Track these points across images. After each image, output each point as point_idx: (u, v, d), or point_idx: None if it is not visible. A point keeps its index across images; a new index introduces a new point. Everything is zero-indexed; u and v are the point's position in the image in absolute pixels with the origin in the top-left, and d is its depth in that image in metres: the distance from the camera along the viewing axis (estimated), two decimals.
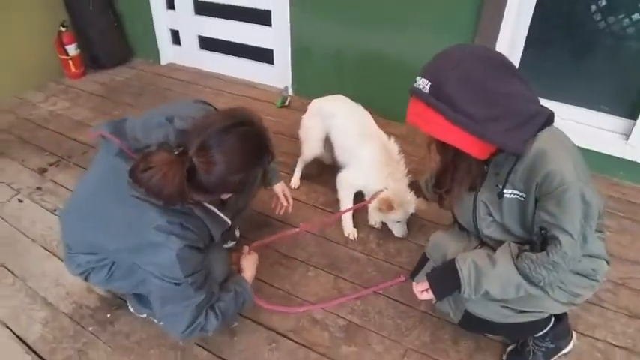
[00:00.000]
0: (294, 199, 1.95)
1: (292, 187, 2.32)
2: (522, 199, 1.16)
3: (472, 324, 1.38)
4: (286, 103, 3.13)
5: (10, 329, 1.64)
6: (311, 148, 2.22)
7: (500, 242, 1.25)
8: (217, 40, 3.53)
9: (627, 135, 2.29)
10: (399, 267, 1.89)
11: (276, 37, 3.16)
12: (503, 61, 1.09)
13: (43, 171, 2.49)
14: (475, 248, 1.35)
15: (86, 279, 1.48)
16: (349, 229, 2.05)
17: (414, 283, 1.37)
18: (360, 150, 1.98)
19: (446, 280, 1.27)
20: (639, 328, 1.63)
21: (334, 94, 2.24)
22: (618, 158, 2.33)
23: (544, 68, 2.47)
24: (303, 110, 2.28)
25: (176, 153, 1.14)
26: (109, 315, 1.69)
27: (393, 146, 2.00)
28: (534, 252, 1.15)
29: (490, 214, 1.26)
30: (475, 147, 1.08)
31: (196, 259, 1.26)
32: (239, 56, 3.51)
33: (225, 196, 1.32)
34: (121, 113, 3.03)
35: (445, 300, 1.37)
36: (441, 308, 1.45)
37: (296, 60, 3.12)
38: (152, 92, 3.36)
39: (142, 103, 3.20)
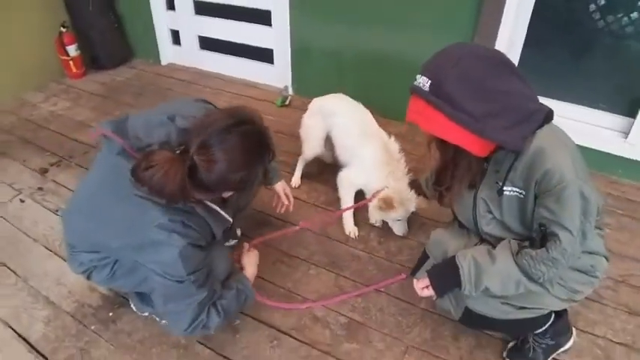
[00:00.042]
0: (294, 197, 1.96)
1: (293, 185, 2.33)
2: (522, 196, 1.17)
3: (472, 321, 1.39)
4: (286, 103, 3.14)
5: (12, 329, 1.65)
6: (312, 147, 2.23)
7: (500, 239, 1.26)
8: (217, 40, 3.53)
9: (626, 133, 2.30)
10: (400, 265, 1.90)
11: (276, 36, 3.16)
12: (502, 60, 1.09)
13: (44, 171, 2.50)
14: (475, 245, 1.35)
15: (88, 277, 1.49)
16: (350, 227, 2.06)
17: (414, 281, 1.38)
18: (361, 149, 1.99)
19: (446, 276, 1.28)
20: (639, 325, 1.64)
21: (334, 93, 2.24)
22: (617, 156, 2.33)
23: (543, 67, 2.48)
24: (304, 109, 2.29)
25: (177, 151, 1.15)
26: (111, 314, 1.69)
27: (394, 145, 2.00)
28: (534, 249, 1.16)
29: (490, 212, 1.26)
30: (475, 144, 1.08)
31: (198, 257, 1.26)
32: (239, 56, 3.52)
33: (226, 195, 1.32)
34: (122, 113, 3.02)
35: (446, 297, 1.38)
36: (442, 305, 1.45)
37: (296, 60, 3.13)
38: (152, 92, 3.37)
39: (143, 103, 3.20)
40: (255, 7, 3.18)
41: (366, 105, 2.16)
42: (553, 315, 1.40)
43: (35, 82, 3.41)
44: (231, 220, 1.42)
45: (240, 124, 1.18)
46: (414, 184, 1.89)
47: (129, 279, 1.41)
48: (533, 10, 2.30)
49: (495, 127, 1.05)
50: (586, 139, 2.23)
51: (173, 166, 1.10)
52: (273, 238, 1.98)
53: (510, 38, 2.37)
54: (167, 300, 1.29)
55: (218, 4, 3.35)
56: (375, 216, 2.01)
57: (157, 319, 1.65)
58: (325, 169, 2.40)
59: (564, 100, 2.41)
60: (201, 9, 3.50)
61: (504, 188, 1.19)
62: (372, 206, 1.96)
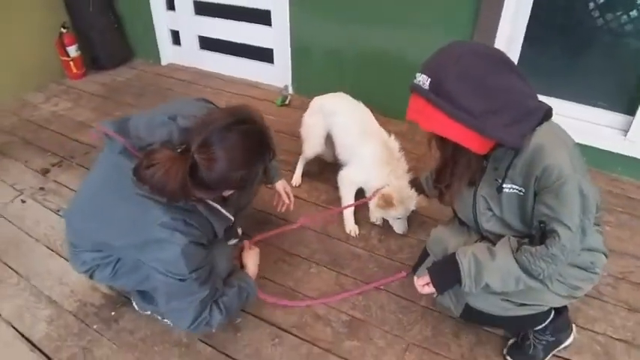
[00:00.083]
0: (295, 196, 1.97)
1: (294, 184, 2.33)
2: (521, 193, 1.18)
3: (473, 317, 1.40)
4: (287, 102, 3.14)
5: (14, 328, 1.65)
6: (312, 146, 2.23)
7: (500, 236, 1.27)
8: (217, 40, 3.54)
9: (626, 131, 2.31)
10: (400, 263, 1.91)
11: (276, 36, 3.17)
12: (502, 58, 1.10)
13: (45, 171, 2.50)
14: (475, 242, 1.36)
15: (91, 277, 1.49)
16: (350, 226, 2.06)
17: (415, 278, 1.39)
18: (361, 147, 2.00)
19: (447, 273, 1.29)
20: (639, 322, 1.65)
21: (334, 92, 2.25)
22: (617, 154, 2.34)
23: (543, 65, 2.49)
24: (304, 109, 2.30)
25: (179, 150, 1.16)
26: (113, 313, 1.70)
27: (394, 144, 2.01)
28: (534, 245, 1.17)
29: (490, 209, 1.27)
30: (475, 142, 1.09)
31: (200, 255, 1.27)
32: (239, 56, 3.53)
33: (226, 193, 1.33)
34: (123, 114, 3.03)
35: (446, 294, 1.38)
36: (442, 302, 1.46)
37: (296, 59, 3.13)
38: (153, 92, 3.38)
39: (143, 103, 3.21)
40: (254, 6, 3.18)
41: (366, 104, 2.17)
42: (553, 312, 1.41)
43: (36, 83, 3.41)
44: (232, 218, 1.43)
45: (240, 123, 1.19)
46: (414, 183, 1.90)
47: (131, 277, 1.42)
48: (532, 8, 2.31)
49: (495, 125, 1.06)
50: (586, 137, 2.24)
51: (174, 165, 1.11)
52: (273, 235, 1.99)
53: (510, 36, 2.38)
54: (170, 298, 1.30)
55: (218, 4, 3.35)
56: (375, 214, 2.01)
57: (159, 317, 1.65)
58: (326, 168, 2.40)
59: (564, 99, 2.42)
60: (201, 9, 3.51)
61: (504, 186, 1.19)
62: (373, 204, 1.96)
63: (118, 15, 3.65)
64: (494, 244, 1.27)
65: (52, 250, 1.98)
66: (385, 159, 1.95)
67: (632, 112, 2.28)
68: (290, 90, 3.26)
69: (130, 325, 1.66)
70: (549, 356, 1.50)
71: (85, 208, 1.38)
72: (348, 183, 2.07)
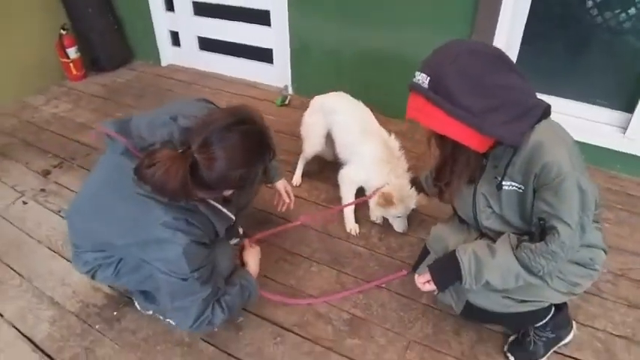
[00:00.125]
0: (295, 196, 1.98)
1: (294, 184, 2.34)
2: (521, 190, 1.18)
3: (474, 314, 1.41)
4: (286, 102, 3.15)
5: (17, 329, 1.66)
6: (312, 145, 2.24)
7: (500, 233, 1.27)
8: (217, 40, 3.55)
9: (624, 128, 2.31)
10: (401, 261, 1.92)
11: (276, 36, 3.18)
12: (500, 56, 1.11)
13: (46, 173, 2.51)
14: (475, 240, 1.37)
15: (93, 277, 1.50)
16: (351, 224, 2.07)
17: (416, 275, 1.39)
18: (362, 146, 2.01)
19: (447, 271, 1.29)
20: (639, 318, 1.66)
21: (334, 91, 2.25)
22: (616, 151, 2.35)
23: (541, 63, 2.49)
24: (303, 109, 2.31)
25: (180, 150, 1.17)
26: (115, 313, 1.71)
27: (394, 142, 2.02)
28: (533, 242, 1.17)
29: (489, 206, 1.28)
30: (474, 139, 1.10)
31: (202, 255, 1.28)
32: (239, 56, 3.53)
33: (226, 193, 1.34)
34: (123, 115, 3.05)
35: (447, 291, 1.39)
36: (443, 300, 1.47)
37: (295, 59, 3.14)
38: (153, 93, 3.39)
39: (144, 104, 3.22)
40: (253, 7, 3.19)
41: (366, 103, 2.18)
42: (553, 308, 1.42)
43: (36, 85, 3.42)
44: (233, 217, 1.43)
45: (240, 123, 1.19)
46: (413, 182, 1.91)
47: (133, 277, 1.43)
48: (531, 6, 2.32)
49: (494, 123, 1.07)
50: (585, 134, 2.24)
51: (175, 164, 1.12)
52: (274, 234, 2.00)
53: (508, 35, 2.38)
54: (173, 297, 1.30)
55: (217, 5, 3.36)
56: (375, 213, 2.02)
57: (161, 317, 1.66)
58: (326, 168, 2.41)
59: (563, 96, 2.43)
60: (200, 10, 3.52)
61: (503, 183, 1.20)
62: (373, 203, 1.97)
63: (118, 16, 3.66)
64: (494, 241, 1.27)
65: (54, 252, 1.99)
66: (385, 158, 1.96)
67: (630, 110, 2.28)
68: (290, 90, 3.27)
69: (132, 325, 1.66)
70: (550, 353, 1.51)
71: (86, 209, 1.39)
72: (348, 182, 2.08)
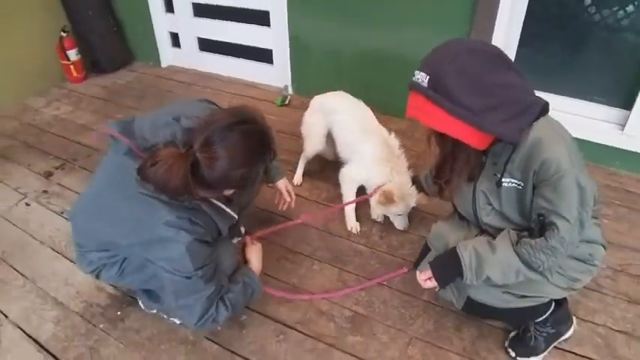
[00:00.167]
0: (296, 195, 1.99)
1: (295, 183, 2.35)
2: (520, 187, 1.20)
3: (475, 310, 1.42)
4: (286, 102, 3.16)
5: (21, 330, 1.67)
6: (313, 144, 2.25)
7: (500, 230, 1.29)
8: (217, 41, 3.56)
9: (623, 125, 2.33)
10: (402, 259, 1.93)
11: (275, 36, 3.19)
12: (499, 54, 1.12)
13: (48, 174, 2.52)
14: (475, 236, 1.38)
15: (97, 276, 1.51)
16: (352, 223, 2.08)
17: (417, 272, 1.41)
18: (362, 145, 2.02)
19: (448, 267, 1.31)
20: (638, 314, 1.67)
21: (334, 91, 2.26)
22: (615, 148, 2.36)
23: (540, 61, 2.50)
24: (303, 108, 2.32)
25: (183, 150, 1.18)
26: (119, 312, 1.72)
27: (394, 141, 2.03)
28: (533, 238, 1.18)
29: (489, 203, 1.29)
30: (473, 137, 1.11)
31: (205, 253, 1.29)
32: (238, 57, 3.55)
33: (228, 192, 1.35)
34: (124, 116, 3.06)
35: (448, 288, 1.40)
36: (444, 296, 1.48)
37: (295, 59, 3.15)
38: (153, 95, 3.40)
39: (144, 105, 3.23)
40: (253, 7, 3.20)
41: (366, 102, 2.19)
42: (553, 304, 1.43)
43: (37, 87, 3.43)
44: (236, 216, 1.45)
45: (242, 123, 1.20)
46: (413, 181, 1.92)
47: (137, 276, 1.44)
48: (529, 4, 2.33)
49: (493, 121, 1.08)
50: (583, 131, 2.26)
51: (177, 162, 1.13)
52: (276, 233, 2.01)
53: (506, 33, 2.39)
54: (178, 296, 1.31)
55: (216, 6, 3.37)
56: (376, 211, 2.03)
57: (165, 316, 1.67)
58: (326, 167, 2.42)
59: (561, 94, 2.44)
60: (200, 11, 3.53)
61: (503, 180, 1.21)
62: (374, 201, 1.98)
63: (118, 19, 3.68)
64: (494, 237, 1.29)
65: (57, 252, 2.00)
66: (385, 156, 1.97)
67: (629, 107, 2.30)
68: (290, 90, 3.28)
69: (136, 325, 1.67)
70: (550, 348, 1.52)
71: (89, 209, 1.40)
72: (349, 180, 2.09)
